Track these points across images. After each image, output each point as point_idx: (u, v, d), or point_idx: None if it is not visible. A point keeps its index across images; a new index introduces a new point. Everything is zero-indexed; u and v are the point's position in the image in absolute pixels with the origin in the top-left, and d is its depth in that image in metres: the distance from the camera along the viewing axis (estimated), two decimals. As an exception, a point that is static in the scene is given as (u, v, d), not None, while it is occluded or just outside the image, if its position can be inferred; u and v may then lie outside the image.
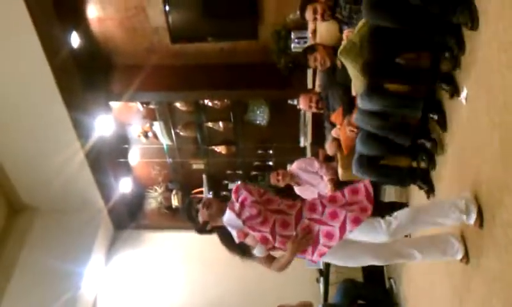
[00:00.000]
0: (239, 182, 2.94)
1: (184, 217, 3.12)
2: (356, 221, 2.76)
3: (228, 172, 8.31)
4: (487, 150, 2.66)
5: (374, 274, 5.92)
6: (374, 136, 3.76)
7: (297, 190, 5.73)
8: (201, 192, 8.20)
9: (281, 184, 5.63)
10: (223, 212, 3.01)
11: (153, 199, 8.32)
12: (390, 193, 5.51)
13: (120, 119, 7.67)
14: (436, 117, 3.48)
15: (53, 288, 6.78)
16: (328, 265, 6.04)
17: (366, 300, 5.56)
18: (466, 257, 2.96)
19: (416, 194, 4.30)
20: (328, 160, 5.71)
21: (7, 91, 6.23)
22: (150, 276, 7.61)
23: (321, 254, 2.87)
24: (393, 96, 3.54)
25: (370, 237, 2.87)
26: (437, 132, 3.56)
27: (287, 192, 5.61)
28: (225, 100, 7.48)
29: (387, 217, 2.89)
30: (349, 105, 4.15)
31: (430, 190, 3.82)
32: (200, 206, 3.01)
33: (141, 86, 6.62)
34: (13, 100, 6.31)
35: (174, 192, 8.26)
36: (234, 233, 2.95)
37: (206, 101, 7.48)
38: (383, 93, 3.53)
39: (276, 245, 2.92)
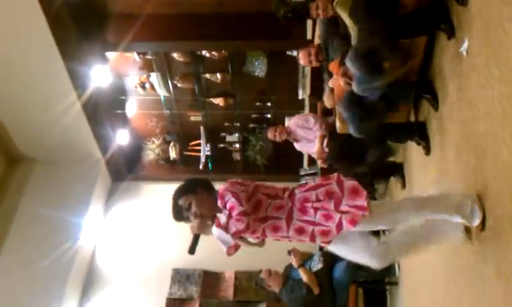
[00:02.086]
0: (224, 185, 2.75)
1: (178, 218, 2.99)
2: (353, 222, 2.65)
3: (226, 124, 8.28)
4: (485, 107, 2.63)
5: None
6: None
7: (296, 146, 5.77)
8: (199, 145, 8.19)
9: (278, 140, 5.63)
10: (214, 210, 2.88)
11: (151, 150, 8.31)
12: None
13: (117, 69, 7.57)
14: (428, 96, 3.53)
15: (52, 239, 6.83)
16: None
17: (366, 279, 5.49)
18: (483, 223, 2.67)
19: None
20: (327, 113, 5.68)
21: (2, 44, 6.12)
22: (148, 227, 7.67)
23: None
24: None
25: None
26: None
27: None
28: (223, 51, 7.35)
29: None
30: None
31: (427, 146, 3.80)
32: (189, 214, 2.89)
33: (137, 35, 6.48)
34: (8, 52, 6.19)
35: (172, 144, 8.24)
36: (224, 248, 2.80)
37: (203, 52, 7.35)
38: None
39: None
